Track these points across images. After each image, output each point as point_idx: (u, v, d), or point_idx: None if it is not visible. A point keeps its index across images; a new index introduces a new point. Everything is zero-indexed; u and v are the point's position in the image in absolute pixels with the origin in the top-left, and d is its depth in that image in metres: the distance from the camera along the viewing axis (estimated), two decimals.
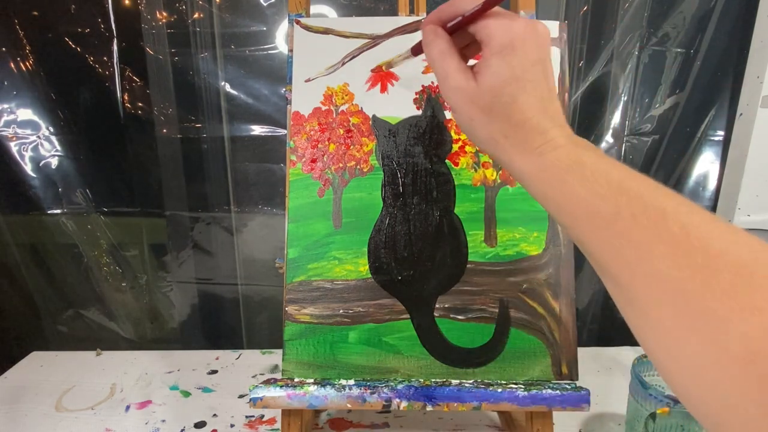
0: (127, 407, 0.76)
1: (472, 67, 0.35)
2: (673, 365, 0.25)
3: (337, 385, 0.53)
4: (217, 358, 0.90)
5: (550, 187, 0.32)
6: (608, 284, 0.30)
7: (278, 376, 0.56)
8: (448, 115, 0.58)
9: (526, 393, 0.52)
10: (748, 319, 0.22)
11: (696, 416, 0.25)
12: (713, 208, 0.98)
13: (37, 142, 0.95)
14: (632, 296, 0.27)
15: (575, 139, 0.33)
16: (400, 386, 0.53)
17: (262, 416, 0.73)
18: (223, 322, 1.06)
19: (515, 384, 0.54)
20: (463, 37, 0.37)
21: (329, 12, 0.91)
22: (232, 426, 0.71)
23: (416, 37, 0.57)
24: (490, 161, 0.58)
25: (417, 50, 0.45)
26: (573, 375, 0.55)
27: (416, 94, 0.58)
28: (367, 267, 0.57)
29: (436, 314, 0.56)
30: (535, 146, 0.33)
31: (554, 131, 0.33)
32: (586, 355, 0.88)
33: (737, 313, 0.22)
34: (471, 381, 0.54)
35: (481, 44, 0.35)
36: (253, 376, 0.85)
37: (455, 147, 0.58)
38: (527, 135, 0.33)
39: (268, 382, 0.54)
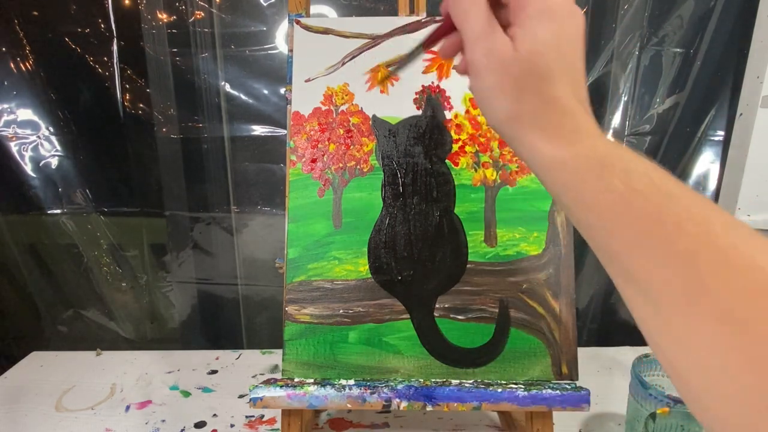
0: (127, 407, 0.76)
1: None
2: (692, 373, 0.24)
3: (337, 385, 0.53)
4: (217, 358, 0.90)
5: (579, 180, 0.28)
6: (624, 283, 0.27)
7: (278, 376, 0.56)
8: (448, 115, 0.58)
9: (526, 393, 0.52)
10: None
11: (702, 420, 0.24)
12: None
13: (37, 142, 0.95)
14: (660, 305, 0.25)
15: (602, 131, 0.30)
16: (400, 386, 0.53)
17: (262, 416, 0.73)
18: (223, 322, 1.06)
19: (515, 384, 0.54)
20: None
21: (329, 12, 0.91)
22: (232, 426, 0.71)
23: (416, 37, 0.58)
24: (490, 161, 0.58)
25: (431, 41, 0.37)
26: (573, 375, 0.55)
27: (416, 94, 0.58)
28: (367, 267, 0.57)
29: (436, 314, 0.56)
30: (565, 131, 0.30)
31: (584, 117, 0.30)
32: (586, 355, 0.88)
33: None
34: (471, 381, 0.54)
35: (514, 10, 0.31)
36: (253, 376, 0.85)
37: (455, 147, 0.58)
38: (556, 116, 0.30)
39: (268, 382, 0.54)
